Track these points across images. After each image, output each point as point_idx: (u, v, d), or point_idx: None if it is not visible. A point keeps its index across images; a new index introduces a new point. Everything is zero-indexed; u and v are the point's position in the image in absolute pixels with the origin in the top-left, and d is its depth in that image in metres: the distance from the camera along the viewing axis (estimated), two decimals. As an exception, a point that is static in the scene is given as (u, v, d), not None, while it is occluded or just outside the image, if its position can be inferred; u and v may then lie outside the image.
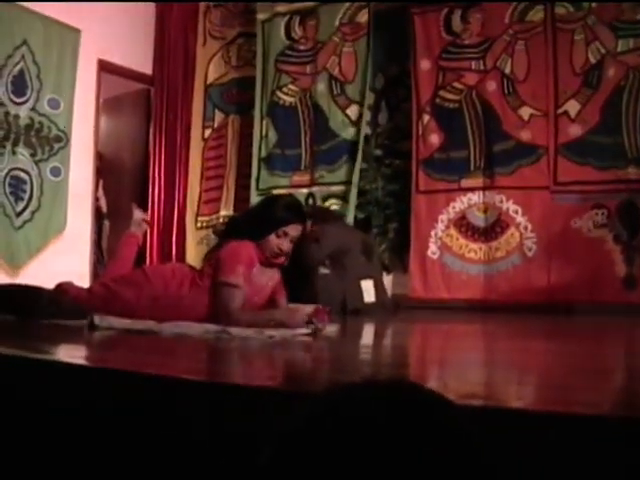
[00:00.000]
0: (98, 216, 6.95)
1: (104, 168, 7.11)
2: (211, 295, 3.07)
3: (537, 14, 5.53)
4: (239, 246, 3.12)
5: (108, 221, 7.15)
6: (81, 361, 2.10)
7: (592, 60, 5.34)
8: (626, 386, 1.78)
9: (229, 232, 3.34)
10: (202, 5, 7.00)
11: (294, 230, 3.19)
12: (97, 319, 2.86)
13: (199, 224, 6.76)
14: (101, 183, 7.03)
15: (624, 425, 1.12)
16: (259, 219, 3.26)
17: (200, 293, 3.10)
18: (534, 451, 1.12)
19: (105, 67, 6.68)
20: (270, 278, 3.27)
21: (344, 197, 6.00)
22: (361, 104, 6.03)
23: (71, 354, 2.29)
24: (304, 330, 2.88)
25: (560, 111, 5.39)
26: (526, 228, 5.43)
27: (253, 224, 3.23)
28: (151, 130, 7.21)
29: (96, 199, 6.89)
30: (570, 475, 1.10)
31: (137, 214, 3.75)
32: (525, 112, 5.50)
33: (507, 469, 1.10)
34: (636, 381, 1.87)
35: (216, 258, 3.14)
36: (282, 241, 3.16)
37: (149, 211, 6.95)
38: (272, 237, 3.15)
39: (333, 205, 5.99)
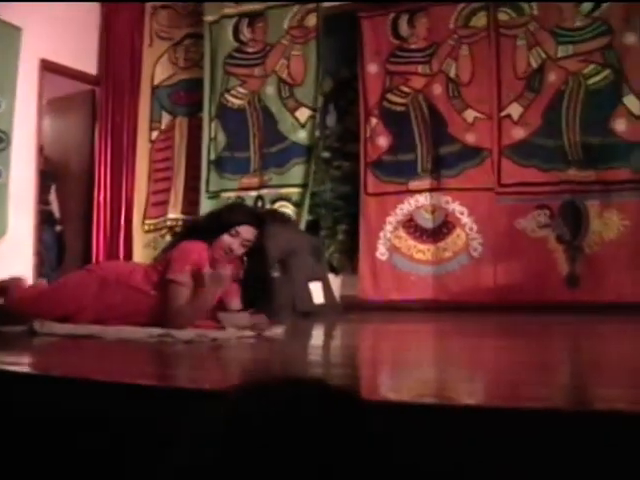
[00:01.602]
0: (50, 221, 6.80)
1: (52, 171, 6.97)
2: (160, 294, 3.06)
3: (481, 20, 5.65)
4: (189, 246, 3.14)
5: (61, 226, 6.99)
6: (23, 369, 2.05)
7: (534, 65, 5.49)
8: (572, 381, 1.83)
9: (184, 233, 3.37)
10: (149, 5, 6.92)
11: (247, 232, 3.21)
12: (37, 325, 2.81)
13: (146, 227, 6.67)
14: (54, 187, 6.88)
15: (572, 418, 1.16)
16: (214, 219, 3.31)
17: (149, 286, 3.10)
18: (485, 447, 1.14)
19: (48, 67, 6.51)
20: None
21: (293, 199, 6.02)
22: (310, 107, 6.06)
23: (12, 361, 2.21)
24: (248, 332, 2.90)
25: (503, 114, 5.53)
26: (472, 229, 5.54)
27: (208, 224, 3.27)
28: (97, 132, 7.09)
29: (47, 203, 6.75)
30: (521, 468, 1.12)
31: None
32: (470, 115, 5.61)
33: (459, 464, 1.15)
34: (582, 376, 1.93)
35: (167, 257, 3.15)
36: (234, 240, 3.18)
37: (95, 214, 6.87)
38: (225, 236, 3.17)
39: (282, 207, 5.99)
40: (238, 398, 0.79)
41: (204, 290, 2.99)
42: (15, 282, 3.35)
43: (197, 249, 3.12)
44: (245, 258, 3.28)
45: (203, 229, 3.28)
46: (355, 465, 0.73)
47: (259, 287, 3.28)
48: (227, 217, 3.29)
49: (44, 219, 6.66)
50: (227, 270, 3.05)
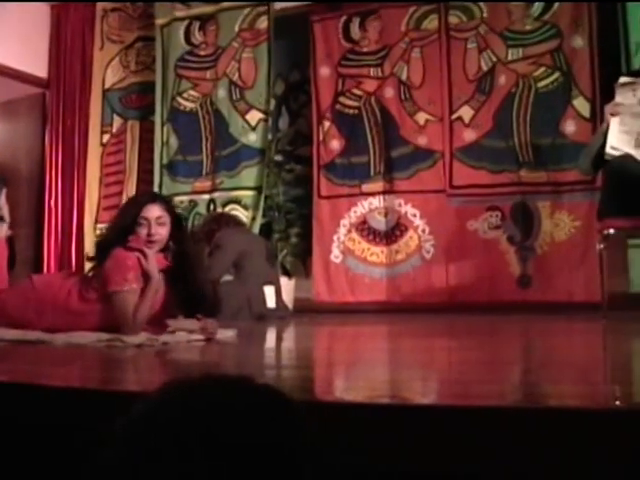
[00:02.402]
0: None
1: (2, 176, 6.85)
2: (104, 307, 2.99)
3: (432, 22, 5.69)
4: (120, 254, 3.02)
5: (11, 231, 6.88)
6: None
7: (484, 67, 5.54)
8: (523, 378, 1.83)
9: (103, 246, 3.23)
10: (99, 8, 6.87)
11: (150, 211, 3.06)
12: None
13: (98, 231, 6.58)
14: (4, 191, 6.78)
15: (523, 415, 1.16)
16: (117, 222, 3.20)
17: (88, 304, 3.02)
18: (439, 445, 1.14)
19: (-4, 70, 6.46)
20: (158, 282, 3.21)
21: (244, 202, 6.00)
22: (262, 110, 6.04)
23: None
24: (198, 336, 2.87)
25: (454, 116, 5.57)
26: (424, 231, 5.57)
27: (116, 229, 3.16)
28: (47, 135, 7.01)
29: None
30: (473, 466, 1.12)
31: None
32: (421, 117, 5.65)
33: (413, 464, 1.14)
34: (532, 373, 1.93)
35: (102, 270, 3.05)
36: (145, 225, 3.04)
37: (46, 218, 6.77)
38: (138, 229, 3.04)
39: (234, 211, 5.96)
40: (158, 397, 0.78)
41: (151, 281, 2.97)
42: None
43: (128, 254, 3.04)
44: (170, 243, 3.14)
45: (116, 234, 3.14)
46: (281, 465, 0.72)
47: (190, 288, 3.19)
48: (125, 211, 3.20)
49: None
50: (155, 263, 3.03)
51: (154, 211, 3.08)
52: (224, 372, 1.80)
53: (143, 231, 3.04)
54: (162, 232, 3.08)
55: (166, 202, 3.27)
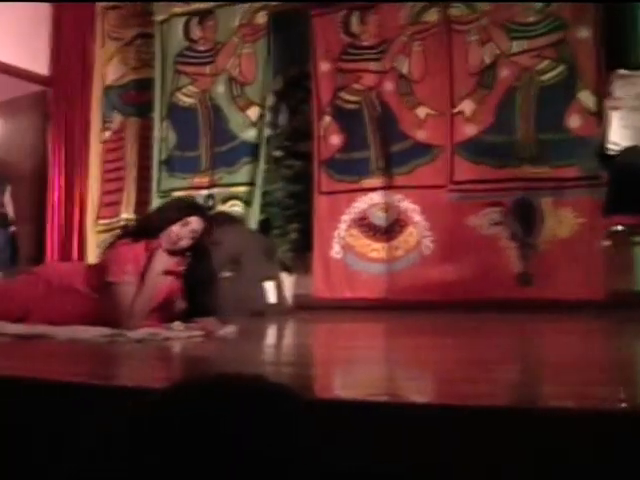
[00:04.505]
0: (4, 223, 6.74)
1: (5, 173, 6.90)
2: (103, 296, 3.03)
3: (432, 15, 5.61)
4: (123, 247, 3.11)
5: (14, 227, 6.94)
6: None
7: (487, 61, 5.45)
8: (519, 378, 1.81)
9: (129, 232, 3.33)
10: (99, 6, 6.89)
11: (196, 223, 3.17)
12: None
13: (100, 227, 6.64)
14: (9, 189, 6.83)
15: (517, 415, 1.14)
16: (161, 215, 3.30)
17: (90, 289, 3.08)
18: (434, 445, 1.13)
19: (-2, 68, 6.48)
20: (165, 279, 3.23)
21: (244, 198, 5.98)
22: (261, 105, 6.02)
23: None
24: (199, 332, 2.92)
25: (455, 111, 5.48)
26: (424, 227, 5.50)
27: (157, 218, 3.26)
28: (49, 133, 7.05)
29: (2, 205, 6.69)
30: (469, 467, 1.11)
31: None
32: (421, 112, 5.57)
33: (408, 462, 1.12)
34: (528, 373, 1.91)
35: (103, 260, 3.12)
36: (183, 230, 3.14)
37: (48, 215, 6.80)
38: (174, 226, 3.13)
39: (233, 207, 5.96)
40: (170, 397, 0.78)
41: (146, 282, 3.00)
42: None
43: (132, 248, 3.08)
44: (189, 254, 3.22)
45: (151, 225, 3.23)
46: (290, 463, 0.72)
47: (202, 287, 3.22)
48: (171, 214, 3.23)
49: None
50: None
51: (199, 225, 3.19)
52: (237, 371, 1.79)
53: (176, 230, 3.11)
54: (187, 243, 3.17)
55: (211, 222, 3.35)
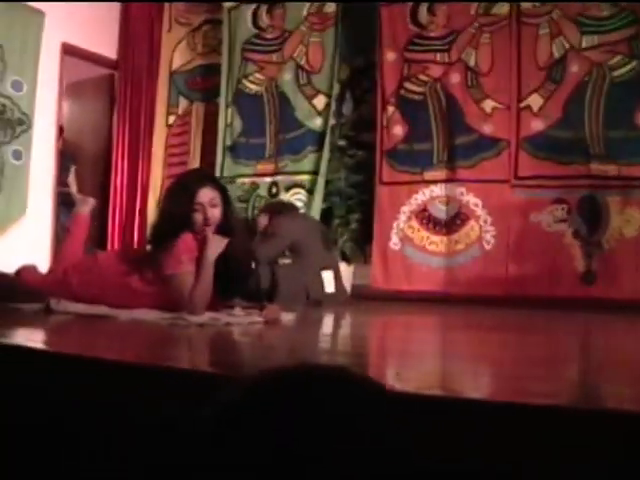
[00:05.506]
0: (69, 203, 6.85)
1: (71, 153, 7.02)
2: (161, 289, 3.02)
3: (503, 8, 5.53)
4: (177, 240, 3.02)
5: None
6: (37, 345, 2.08)
7: (556, 55, 5.36)
8: (581, 378, 1.78)
9: (158, 235, 3.22)
10: (168, -9, 6.94)
11: (204, 196, 3.06)
12: (53, 303, 2.91)
13: (161, 211, 6.69)
14: (73, 169, 6.94)
15: (579, 416, 1.12)
16: (170, 210, 3.16)
17: (147, 285, 3.06)
18: (491, 442, 1.12)
19: (69, 50, 6.60)
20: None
21: (307, 187, 5.99)
22: (328, 94, 6.02)
23: (27, 338, 2.26)
24: (259, 318, 2.92)
25: (523, 105, 5.41)
26: (486, 221, 5.44)
27: (171, 218, 3.11)
28: (115, 116, 7.15)
29: (66, 185, 6.80)
30: (527, 465, 1.09)
31: (76, 195, 3.73)
32: (488, 105, 5.50)
33: (460, 458, 1.11)
34: (590, 373, 1.88)
35: (158, 253, 3.06)
36: (202, 212, 3.05)
37: (111, 198, 6.90)
38: (194, 215, 3.05)
39: (296, 195, 5.97)
40: (256, 384, 0.79)
41: (203, 262, 2.96)
42: (27, 270, 3.35)
43: (182, 240, 3.02)
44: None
45: (172, 223, 3.09)
46: (377, 455, 0.72)
47: (236, 264, 3.16)
48: (180, 197, 3.12)
49: (62, 201, 6.72)
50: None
51: (207, 194, 3.09)
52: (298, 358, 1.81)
53: (199, 217, 3.06)
54: (216, 213, 3.10)
55: (214, 180, 3.30)
